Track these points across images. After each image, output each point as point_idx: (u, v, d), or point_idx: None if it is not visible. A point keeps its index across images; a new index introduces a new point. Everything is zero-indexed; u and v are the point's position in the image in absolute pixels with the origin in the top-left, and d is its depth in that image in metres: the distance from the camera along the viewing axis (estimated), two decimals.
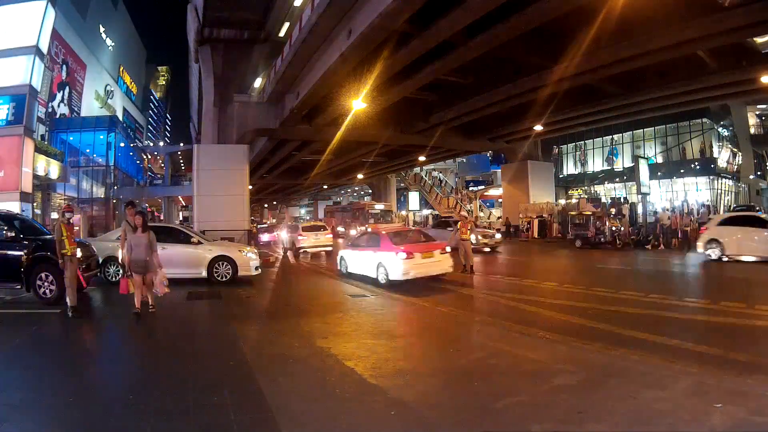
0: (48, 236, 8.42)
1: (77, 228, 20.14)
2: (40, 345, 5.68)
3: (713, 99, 20.63)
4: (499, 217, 32.75)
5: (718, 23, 11.36)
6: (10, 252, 7.81)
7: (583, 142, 39.91)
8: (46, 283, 7.68)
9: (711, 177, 33.44)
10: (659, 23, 11.89)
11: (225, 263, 9.88)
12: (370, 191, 55.12)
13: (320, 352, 5.14)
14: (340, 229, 34.03)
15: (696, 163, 33.68)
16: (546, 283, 10.13)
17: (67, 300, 6.78)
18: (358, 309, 7.71)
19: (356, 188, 64.38)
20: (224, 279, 9.84)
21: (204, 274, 9.87)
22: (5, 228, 8.13)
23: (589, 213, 20.84)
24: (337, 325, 6.55)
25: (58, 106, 39.36)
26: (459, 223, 14.07)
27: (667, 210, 25.54)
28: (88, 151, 38.90)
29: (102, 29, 52.85)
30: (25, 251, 7.76)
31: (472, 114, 20.33)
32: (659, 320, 6.46)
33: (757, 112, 35.67)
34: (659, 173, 34.28)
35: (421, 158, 30.94)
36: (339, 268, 12.08)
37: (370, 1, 11.39)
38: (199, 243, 10.21)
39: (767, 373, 4.12)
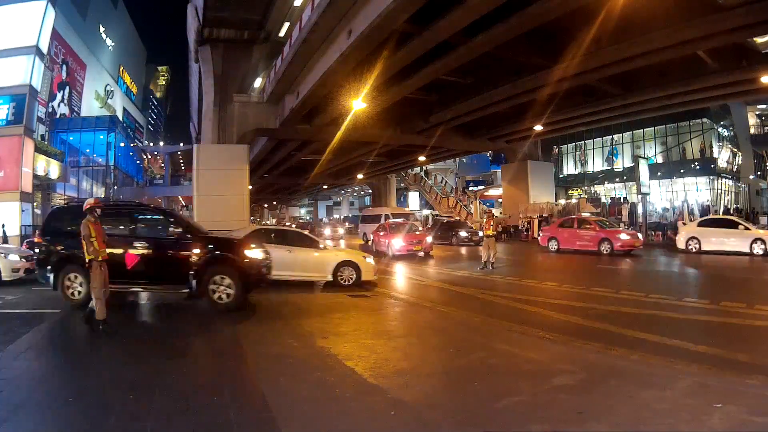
0: (216, 234, 7.95)
1: None
2: (40, 345, 5.68)
3: (713, 99, 20.64)
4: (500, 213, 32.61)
5: (718, 23, 11.37)
6: (178, 251, 7.13)
7: (583, 142, 39.93)
8: (222, 287, 7.00)
9: (711, 177, 33.46)
10: (659, 23, 11.90)
11: (350, 268, 10.11)
12: (370, 191, 55.11)
13: (320, 352, 5.14)
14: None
15: (696, 163, 33.70)
16: (547, 283, 10.14)
17: (96, 313, 5.82)
18: (358, 309, 7.71)
19: (356, 188, 64.36)
20: (348, 283, 9.99)
21: (330, 277, 10.02)
22: (172, 223, 7.46)
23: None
24: (337, 325, 6.54)
25: (58, 106, 39.39)
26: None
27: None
28: (88, 151, 38.94)
29: (102, 29, 52.88)
30: (197, 250, 7.08)
31: (472, 114, 20.35)
32: (660, 320, 6.47)
33: (757, 112, 35.69)
34: (659, 173, 34.30)
35: (421, 158, 30.94)
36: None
37: (371, 1, 11.40)
38: (325, 248, 10.55)
39: (767, 373, 4.12)
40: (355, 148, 27.43)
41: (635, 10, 11.19)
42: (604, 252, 15.48)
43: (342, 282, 9.98)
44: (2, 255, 10.53)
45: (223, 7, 19.14)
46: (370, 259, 10.62)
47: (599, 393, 3.85)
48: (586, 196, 34.61)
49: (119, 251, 6.74)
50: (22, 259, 10.58)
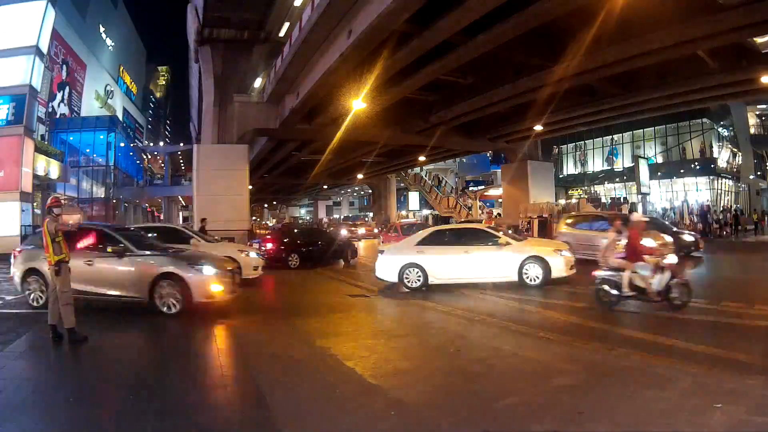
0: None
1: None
2: (41, 345, 5.67)
3: (713, 99, 20.63)
4: (499, 214, 32.56)
5: (718, 23, 11.35)
6: None
7: (583, 142, 39.94)
8: None
9: (711, 177, 33.48)
10: (659, 23, 11.89)
11: (535, 265, 9.03)
12: (370, 191, 55.11)
13: (320, 352, 5.14)
14: None
15: (696, 163, 33.71)
16: None
17: (64, 321, 5.45)
18: (357, 309, 7.71)
19: (356, 188, 64.36)
20: (534, 282, 8.99)
21: (514, 277, 9.08)
22: None
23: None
24: (337, 325, 6.55)
25: (58, 106, 39.39)
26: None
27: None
28: (88, 151, 38.94)
29: (102, 29, 52.88)
30: None
31: (472, 114, 20.33)
32: (658, 320, 6.47)
33: (757, 112, 35.71)
34: (659, 173, 34.32)
35: (421, 158, 30.93)
36: None
37: (371, 2, 11.40)
38: (508, 244, 9.42)
39: (767, 373, 4.12)
40: (355, 148, 27.40)
41: (635, 10, 11.17)
42: None
43: (527, 281, 9.04)
44: (245, 253, 10.42)
45: (223, 7, 19.14)
46: (566, 252, 9.41)
47: (599, 393, 3.85)
48: (586, 196, 34.59)
49: None
50: (260, 257, 10.44)
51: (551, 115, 20.17)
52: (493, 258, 9.24)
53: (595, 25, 11.58)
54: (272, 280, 11.64)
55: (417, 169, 42.95)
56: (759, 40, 13.81)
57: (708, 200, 31.78)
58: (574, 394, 3.81)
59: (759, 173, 36.61)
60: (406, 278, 9.25)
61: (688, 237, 14.51)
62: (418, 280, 9.20)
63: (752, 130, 35.82)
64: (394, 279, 9.34)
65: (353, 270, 14.18)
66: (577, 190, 40.05)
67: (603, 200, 29.96)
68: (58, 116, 38.40)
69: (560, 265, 9.10)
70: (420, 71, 14.80)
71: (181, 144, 59.99)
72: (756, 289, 8.77)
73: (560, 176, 40.17)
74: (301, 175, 38.47)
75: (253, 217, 54.78)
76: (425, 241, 9.71)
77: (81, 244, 6.34)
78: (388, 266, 9.49)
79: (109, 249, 6.99)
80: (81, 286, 6.54)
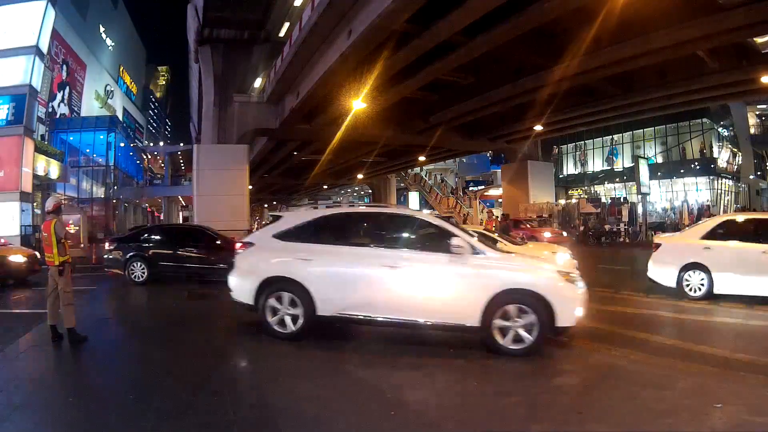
0: None
1: (77, 228, 19.92)
2: (40, 345, 5.67)
3: (713, 99, 20.63)
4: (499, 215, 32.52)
5: (718, 23, 11.36)
6: None
7: (583, 142, 39.94)
8: None
9: (711, 177, 33.48)
10: (659, 23, 11.89)
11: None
12: (370, 191, 55.11)
13: (320, 352, 5.14)
14: None
15: (696, 163, 33.72)
16: None
17: (65, 320, 5.43)
18: None
19: (356, 188, 64.35)
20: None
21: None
22: None
23: None
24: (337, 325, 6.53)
25: (58, 106, 39.38)
26: None
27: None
28: (88, 151, 38.91)
29: (102, 29, 52.87)
30: None
31: (472, 114, 20.34)
32: (659, 320, 6.47)
33: (757, 112, 35.71)
34: (659, 173, 34.33)
35: (421, 158, 30.93)
36: None
37: (371, 2, 11.41)
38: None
39: (767, 373, 4.12)
40: (355, 148, 27.40)
41: (635, 10, 11.17)
42: None
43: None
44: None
45: (223, 7, 19.17)
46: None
47: (599, 393, 3.85)
48: (586, 196, 34.61)
49: None
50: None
51: (551, 115, 20.18)
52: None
53: (595, 25, 11.58)
54: None
55: (417, 169, 42.97)
56: (759, 40, 13.80)
57: (708, 200, 31.79)
58: (574, 394, 3.81)
59: (759, 173, 36.62)
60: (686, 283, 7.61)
61: None
62: (701, 287, 7.42)
63: (752, 130, 35.83)
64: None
65: None
66: (577, 190, 40.07)
67: (603, 200, 29.96)
68: (58, 116, 38.38)
69: None
70: (420, 71, 14.81)
71: (181, 144, 59.96)
72: None
73: (560, 176, 40.20)
74: (301, 175, 38.50)
75: (255, 217, 54.80)
76: (718, 234, 7.51)
77: None
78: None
79: None
80: None
